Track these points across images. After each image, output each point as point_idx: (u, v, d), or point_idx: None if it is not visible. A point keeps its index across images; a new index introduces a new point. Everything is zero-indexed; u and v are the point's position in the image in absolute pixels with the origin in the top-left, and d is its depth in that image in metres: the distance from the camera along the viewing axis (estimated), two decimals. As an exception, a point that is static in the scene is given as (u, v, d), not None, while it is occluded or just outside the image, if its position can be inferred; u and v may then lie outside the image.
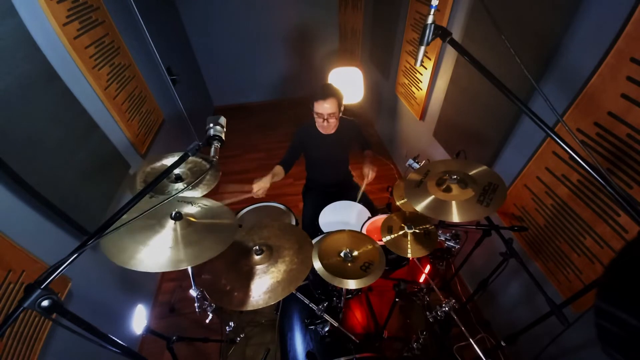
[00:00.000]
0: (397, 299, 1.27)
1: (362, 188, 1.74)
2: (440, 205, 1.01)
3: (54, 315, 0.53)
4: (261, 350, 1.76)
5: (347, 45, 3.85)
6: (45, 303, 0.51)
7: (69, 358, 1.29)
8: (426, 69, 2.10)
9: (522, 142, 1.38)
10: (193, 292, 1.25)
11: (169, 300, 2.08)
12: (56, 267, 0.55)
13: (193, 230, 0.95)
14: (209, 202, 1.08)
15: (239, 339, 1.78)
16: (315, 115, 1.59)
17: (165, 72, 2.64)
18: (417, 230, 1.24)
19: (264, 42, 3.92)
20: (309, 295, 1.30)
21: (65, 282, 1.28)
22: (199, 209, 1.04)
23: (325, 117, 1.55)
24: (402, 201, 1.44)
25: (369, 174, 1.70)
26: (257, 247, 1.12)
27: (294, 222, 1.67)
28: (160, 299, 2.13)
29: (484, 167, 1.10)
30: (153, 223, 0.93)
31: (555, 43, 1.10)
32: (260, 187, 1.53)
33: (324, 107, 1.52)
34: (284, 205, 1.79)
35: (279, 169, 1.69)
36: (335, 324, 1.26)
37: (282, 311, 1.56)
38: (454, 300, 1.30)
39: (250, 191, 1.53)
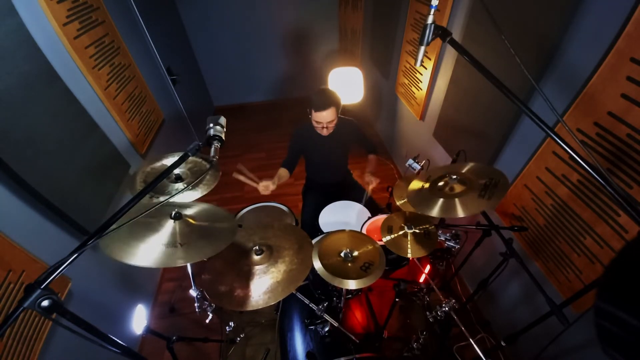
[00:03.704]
0: (397, 299, 1.27)
1: (367, 194, 1.75)
2: (447, 205, 1.04)
3: (54, 315, 0.53)
4: (261, 350, 1.76)
5: (347, 45, 3.85)
6: (45, 303, 0.51)
7: (69, 358, 1.29)
8: (426, 69, 2.10)
9: (522, 142, 1.38)
10: (193, 292, 1.25)
11: (169, 300, 2.08)
12: (56, 267, 0.54)
13: (192, 229, 0.95)
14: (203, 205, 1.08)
15: (239, 339, 1.78)
16: (313, 122, 1.61)
17: (165, 72, 2.64)
18: (417, 230, 1.24)
19: (264, 42, 3.92)
20: (309, 295, 1.30)
21: (65, 282, 1.28)
22: (197, 210, 1.04)
23: (324, 125, 1.58)
24: (402, 201, 1.44)
25: (372, 182, 1.71)
26: (257, 247, 1.12)
27: (294, 222, 1.67)
28: (160, 299, 2.13)
29: (482, 165, 1.13)
30: (153, 222, 0.93)
31: (555, 43, 1.10)
32: (265, 186, 1.59)
33: (322, 117, 1.54)
34: (284, 205, 1.79)
35: (283, 172, 1.72)
36: (335, 324, 1.26)
37: (282, 311, 1.56)
38: (454, 300, 1.30)
39: (257, 184, 1.59)
